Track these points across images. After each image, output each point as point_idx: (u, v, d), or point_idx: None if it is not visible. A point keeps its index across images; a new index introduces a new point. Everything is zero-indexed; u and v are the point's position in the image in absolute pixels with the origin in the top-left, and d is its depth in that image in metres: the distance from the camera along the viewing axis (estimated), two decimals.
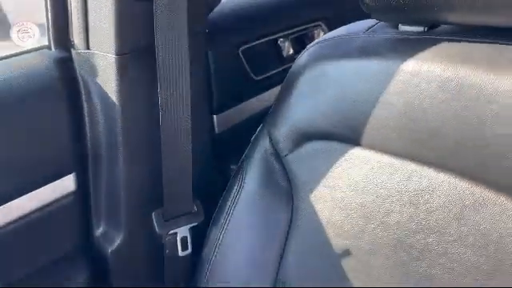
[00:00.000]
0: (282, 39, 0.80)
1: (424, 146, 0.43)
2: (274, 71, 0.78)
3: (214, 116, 0.72)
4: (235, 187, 0.58)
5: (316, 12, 0.84)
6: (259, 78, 0.76)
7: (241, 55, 0.73)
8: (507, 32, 0.41)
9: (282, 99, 0.56)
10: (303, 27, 0.83)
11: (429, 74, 0.42)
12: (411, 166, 0.45)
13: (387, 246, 0.46)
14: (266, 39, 0.76)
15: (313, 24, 0.84)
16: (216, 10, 0.67)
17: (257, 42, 0.74)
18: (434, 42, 0.44)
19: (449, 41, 0.44)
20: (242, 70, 0.73)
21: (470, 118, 0.40)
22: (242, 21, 0.75)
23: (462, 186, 0.41)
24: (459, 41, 0.43)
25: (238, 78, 0.73)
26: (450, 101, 0.41)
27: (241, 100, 0.74)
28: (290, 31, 0.80)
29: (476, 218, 0.40)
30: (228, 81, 0.72)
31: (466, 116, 0.40)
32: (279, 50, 0.80)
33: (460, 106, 0.40)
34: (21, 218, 0.55)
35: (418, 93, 0.43)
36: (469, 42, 0.42)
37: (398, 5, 0.43)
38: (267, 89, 0.77)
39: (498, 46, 0.40)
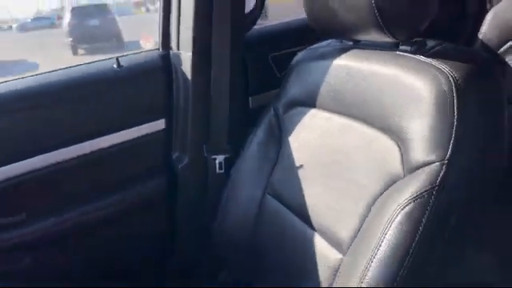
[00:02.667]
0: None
1: (340, 104, 0.80)
2: None
3: (250, 97, 1.14)
4: (252, 133, 0.98)
5: None
6: (282, 75, 1.16)
7: (270, 60, 1.15)
8: (383, 45, 0.77)
9: (283, 84, 0.97)
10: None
11: (345, 66, 0.80)
12: (335, 117, 0.82)
13: (322, 162, 0.83)
14: (289, 50, 1.16)
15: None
16: (254, 29, 1.11)
17: (281, 52, 1.15)
18: (353, 49, 0.82)
19: (359, 48, 0.81)
20: (270, 69, 1.15)
21: (358, 89, 0.76)
22: (272, 38, 1.17)
23: (357, 126, 0.77)
24: (364, 48, 0.80)
25: (266, 74, 1.14)
26: (350, 80, 0.78)
27: (268, 89, 1.15)
28: (308, 46, 1.19)
29: (358, 143, 0.76)
30: (260, 76, 1.14)
31: (356, 88, 0.77)
32: None
33: (354, 83, 0.77)
34: (129, 141, 1.02)
35: (340, 76, 0.81)
36: (367, 49, 0.79)
37: (328, 32, 0.81)
38: None
39: (375, 51, 0.77)
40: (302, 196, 0.84)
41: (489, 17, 1.32)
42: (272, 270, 0.90)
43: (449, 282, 0.76)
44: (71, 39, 9.97)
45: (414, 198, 0.59)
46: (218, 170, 1.04)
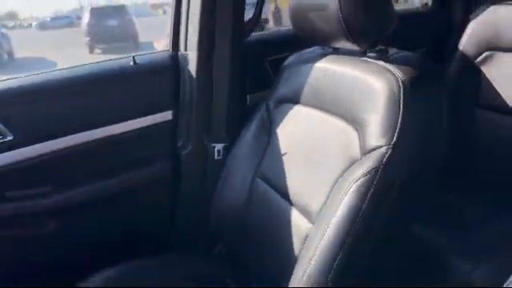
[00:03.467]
0: None
1: (319, 101, 0.95)
2: None
3: (248, 95, 1.29)
4: (247, 126, 1.13)
5: None
6: None
7: (266, 63, 1.30)
8: (354, 52, 0.92)
9: (274, 84, 1.12)
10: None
11: (323, 69, 0.95)
12: (315, 111, 0.96)
13: (303, 150, 0.97)
14: (283, 55, 1.31)
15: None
16: (254, 35, 1.26)
17: (276, 56, 1.30)
18: (331, 55, 0.97)
19: (336, 54, 0.96)
20: (265, 71, 1.30)
21: (333, 89, 0.91)
22: (269, 44, 1.33)
23: (331, 119, 0.92)
24: (339, 54, 0.95)
25: (263, 75, 1.29)
26: (327, 81, 0.93)
27: (264, 88, 1.30)
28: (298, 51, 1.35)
29: (331, 133, 0.91)
30: (257, 76, 1.29)
31: (332, 88, 0.91)
32: None
33: (331, 84, 0.92)
34: (140, 129, 1.18)
35: (319, 78, 0.96)
36: (342, 55, 0.94)
37: (311, 40, 0.96)
38: None
39: (348, 56, 0.92)
40: (285, 178, 0.99)
41: (468, 31, 1.46)
42: (258, 243, 1.05)
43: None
44: (89, 39, 10.26)
45: (365, 174, 0.74)
46: (216, 156, 1.19)
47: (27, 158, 1.06)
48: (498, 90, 1.38)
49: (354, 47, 0.87)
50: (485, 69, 1.41)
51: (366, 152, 0.77)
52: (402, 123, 0.73)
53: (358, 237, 0.73)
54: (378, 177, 0.73)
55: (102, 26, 10.21)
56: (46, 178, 1.10)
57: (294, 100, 1.04)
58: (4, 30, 10.86)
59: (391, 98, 0.76)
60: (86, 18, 10.82)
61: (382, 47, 0.87)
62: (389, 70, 0.79)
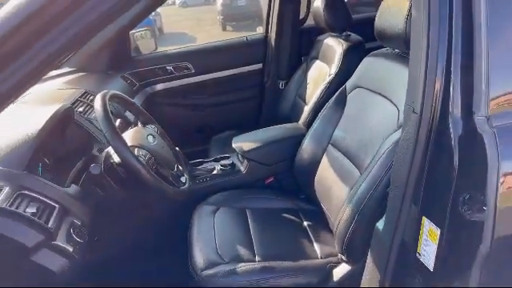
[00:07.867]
0: None
1: (323, 57, 2.08)
2: None
3: (302, 57, 2.45)
4: (296, 72, 2.30)
5: None
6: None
7: (314, 39, 2.43)
8: (337, 35, 2.02)
9: (311, 51, 2.26)
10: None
11: (325, 42, 2.07)
12: (320, 62, 2.10)
13: (312, 78, 2.12)
14: (321, 36, 2.42)
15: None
16: (305, 26, 2.42)
17: (319, 36, 2.41)
18: (330, 36, 2.08)
19: (331, 36, 2.07)
20: (313, 44, 2.43)
21: (328, 51, 2.03)
22: (314, 30, 2.45)
23: (321, 64, 2.04)
24: (333, 36, 2.06)
25: (312, 46, 2.43)
26: (327, 47, 2.05)
27: None
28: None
29: (319, 70, 2.03)
30: (308, 47, 2.42)
31: (327, 51, 2.03)
32: None
33: (327, 48, 2.04)
34: (247, 72, 2.46)
35: (324, 46, 2.08)
36: (333, 36, 2.05)
37: (322, 29, 2.09)
38: None
39: (334, 37, 2.02)
40: (306, 92, 2.14)
41: None
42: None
43: None
44: (222, 17, 11.78)
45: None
46: (280, 87, 2.42)
47: (196, 81, 2.41)
48: None
49: (333, 32, 1.99)
50: None
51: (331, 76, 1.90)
52: (340, 64, 1.84)
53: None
54: None
55: (233, 5, 11.60)
56: (203, 91, 2.45)
57: (316, 57, 2.17)
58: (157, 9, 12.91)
59: (340, 55, 1.86)
60: None
61: (348, 33, 1.96)
62: (341, 43, 1.89)
